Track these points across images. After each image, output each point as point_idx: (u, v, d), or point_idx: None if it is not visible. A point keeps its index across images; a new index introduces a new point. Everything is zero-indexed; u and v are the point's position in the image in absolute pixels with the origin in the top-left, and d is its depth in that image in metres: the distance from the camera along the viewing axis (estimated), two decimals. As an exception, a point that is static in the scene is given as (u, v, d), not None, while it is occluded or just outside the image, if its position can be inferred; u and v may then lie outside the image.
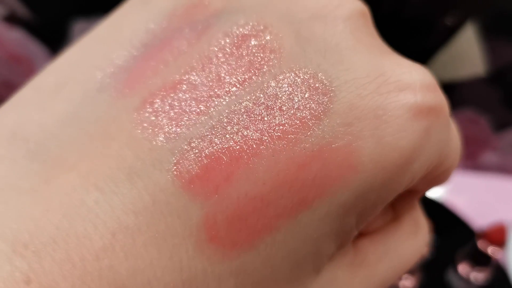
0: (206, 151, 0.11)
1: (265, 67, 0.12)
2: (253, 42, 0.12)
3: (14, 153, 0.12)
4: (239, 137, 0.11)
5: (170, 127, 0.11)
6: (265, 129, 0.11)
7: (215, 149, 0.11)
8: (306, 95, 0.12)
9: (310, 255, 0.12)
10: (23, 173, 0.11)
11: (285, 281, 0.12)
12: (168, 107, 0.12)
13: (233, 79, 0.12)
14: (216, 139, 0.11)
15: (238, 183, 0.11)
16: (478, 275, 0.46)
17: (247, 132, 0.11)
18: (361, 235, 0.15)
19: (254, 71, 0.12)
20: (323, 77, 0.12)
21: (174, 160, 0.11)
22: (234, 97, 0.12)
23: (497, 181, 0.59)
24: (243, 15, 0.13)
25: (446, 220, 0.51)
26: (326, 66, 0.12)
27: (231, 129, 0.11)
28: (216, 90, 0.12)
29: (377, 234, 0.15)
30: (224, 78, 0.12)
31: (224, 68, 0.12)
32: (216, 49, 0.12)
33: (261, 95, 0.12)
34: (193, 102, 0.12)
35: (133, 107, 0.12)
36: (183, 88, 0.12)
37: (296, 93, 0.12)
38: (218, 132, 0.11)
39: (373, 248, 0.15)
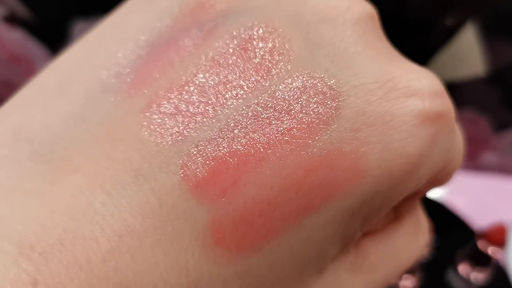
0: (214, 154, 0.11)
1: (273, 70, 0.12)
2: (261, 45, 0.12)
3: (19, 154, 0.11)
4: (247, 140, 0.11)
5: (177, 130, 0.11)
6: (272, 133, 0.11)
7: (222, 153, 0.11)
8: (314, 100, 0.12)
9: (315, 257, 0.12)
10: (28, 174, 0.11)
11: (289, 282, 0.12)
12: (174, 109, 0.12)
13: (241, 82, 0.12)
14: (223, 143, 0.11)
15: (245, 187, 0.11)
16: (478, 275, 0.46)
17: (254, 136, 0.11)
18: (363, 235, 0.15)
19: (262, 74, 0.12)
20: (332, 82, 0.12)
21: (181, 163, 0.11)
22: (241, 100, 0.12)
23: (497, 181, 0.60)
24: (251, 17, 0.13)
25: (446, 220, 0.51)
26: (334, 70, 0.12)
27: (238, 132, 0.11)
28: (223, 92, 0.12)
29: (378, 233, 0.15)
30: (232, 80, 0.12)
31: (231, 70, 0.12)
32: (223, 50, 0.12)
33: (269, 99, 0.12)
34: (200, 104, 0.12)
35: (139, 109, 0.12)
36: (190, 90, 0.12)
37: (304, 97, 0.12)
38: (226, 135, 0.11)
39: (374, 248, 0.15)
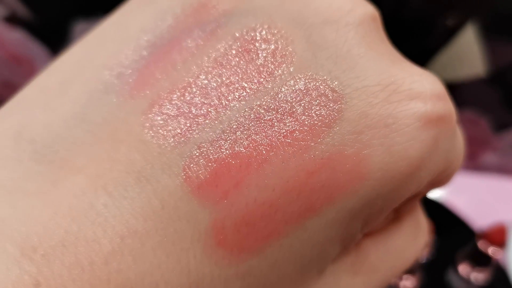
0: (216, 156, 0.11)
1: (276, 72, 0.12)
2: (263, 46, 0.12)
3: (20, 154, 0.11)
4: (249, 142, 0.11)
5: (179, 131, 0.11)
6: (275, 135, 0.11)
7: (224, 155, 0.11)
8: (317, 102, 0.12)
9: (315, 258, 0.12)
10: (30, 174, 0.11)
11: (289, 283, 0.12)
12: (177, 111, 0.12)
13: (243, 83, 0.12)
14: (225, 144, 0.11)
15: (248, 189, 0.11)
16: (478, 276, 0.46)
17: (257, 138, 0.11)
18: (363, 235, 0.15)
19: (265, 76, 0.12)
20: (334, 84, 0.12)
21: (183, 164, 0.11)
22: (244, 102, 0.12)
23: (497, 182, 0.60)
24: (254, 18, 0.13)
25: (447, 221, 0.51)
26: (337, 73, 0.12)
27: (241, 134, 0.11)
28: (225, 94, 0.12)
29: (378, 234, 0.15)
30: (234, 82, 0.12)
31: (233, 72, 0.12)
32: (226, 52, 0.12)
33: (271, 101, 0.12)
34: (203, 106, 0.12)
35: (141, 110, 0.12)
36: (192, 91, 0.12)
37: (306, 99, 0.12)
38: (228, 137, 0.11)
39: (374, 248, 0.15)
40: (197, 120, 0.11)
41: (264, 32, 0.12)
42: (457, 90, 0.56)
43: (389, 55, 0.13)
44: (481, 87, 0.55)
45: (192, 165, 0.11)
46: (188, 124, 0.11)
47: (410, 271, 0.45)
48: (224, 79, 0.12)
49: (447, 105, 0.12)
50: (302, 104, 0.12)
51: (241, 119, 0.11)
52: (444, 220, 0.51)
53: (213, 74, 0.12)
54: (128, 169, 0.11)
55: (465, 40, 0.52)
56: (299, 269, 0.12)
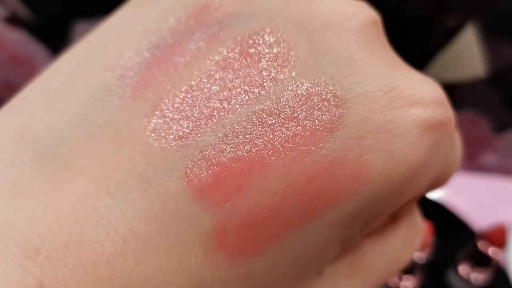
0: (218, 159, 0.11)
1: (278, 76, 0.12)
2: (266, 50, 0.12)
3: (23, 155, 0.11)
4: (251, 146, 0.11)
5: (182, 134, 0.11)
6: (276, 139, 0.11)
7: (226, 158, 0.11)
8: (319, 107, 0.12)
9: (315, 260, 0.12)
10: (33, 176, 0.11)
11: (288, 284, 0.12)
12: (179, 114, 0.12)
13: (245, 87, 0.12)
14: (228, 148, 0.11)
15: (249, 193, 0.11)
16: (478, 276, 0.46)
17: (259, 142, 0.11)
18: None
19: (267, 80, 0.12)
20: (336, 89, 0.12)
21: (185, 168, 0.11)
22: (246, 106, 0.12)
23: (497, 182, 0.60)
24: (256, 21, 0.13)
25: (447, 221, 0.52)
26: (339, 78, 0.12)
27: (243, 138, 0.11)
28: (228, 98, 0.12)
29: (375, 234, 0.15)
30: (236, 86, 0.12)
31: (236, 75, 0.12)
32: (228, 55, 0.12)
33: (274, 105, 0.12)
34: (205, 109, 0.12)
35: (144, 112, 0.12)
36: (194, 94, 0.12)
37: (308, 104, 0.12)
38: (230, 141, 0.11)
39: (371, 249, 0.15)
40: (199, 123, 0.11)
41: (266, 36, 0.12)
42: (457, 91, 0.56)
43: (391, 61, 0.13)
44: (481, 87, 0.56)
45: (194, 168, 0.11)
46: (191, 128, 0.11)
47: (410, 271, 0.45)
48: (226, 82, 0.12)
49: (446, 111, 0.13)
50: (304, 109, 0.12)
51: (243, 123, 0.11)
52: (444, 221, 0.51)
53: (216, 78, 0.12)
54: (130, 171, 0.11)
55: (465, 40, 0.52)
56: (298, 270, 0.12)
